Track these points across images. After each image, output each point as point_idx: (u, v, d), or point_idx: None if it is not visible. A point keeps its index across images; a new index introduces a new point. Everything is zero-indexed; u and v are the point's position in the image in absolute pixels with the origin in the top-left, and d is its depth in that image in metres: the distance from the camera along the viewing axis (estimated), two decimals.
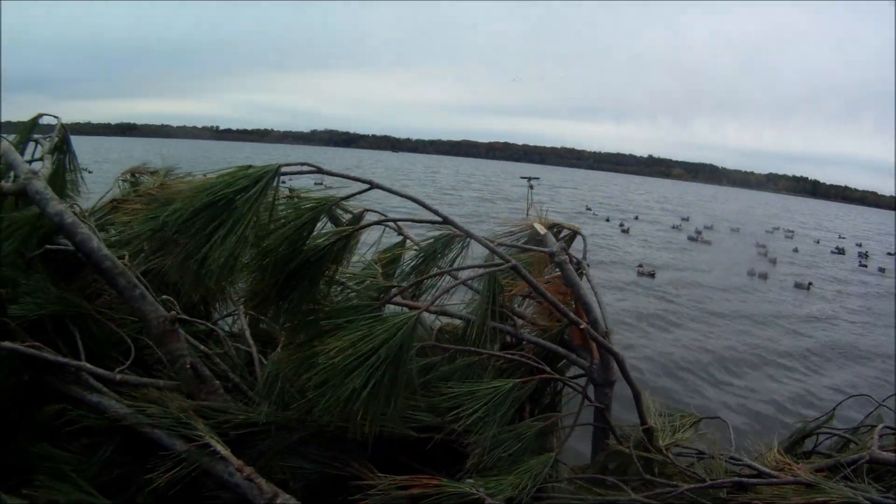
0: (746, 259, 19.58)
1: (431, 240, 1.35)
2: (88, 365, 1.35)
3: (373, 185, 1.17)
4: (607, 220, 29.51)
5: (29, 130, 1.66)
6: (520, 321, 1.46)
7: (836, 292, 16.57)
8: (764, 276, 17.29)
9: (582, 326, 1.23)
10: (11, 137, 1.62)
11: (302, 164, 1.17)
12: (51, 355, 1.36)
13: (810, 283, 16.32)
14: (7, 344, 1.37)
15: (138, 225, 1.16)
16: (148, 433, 1.26)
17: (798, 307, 14.06)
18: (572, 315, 1.27)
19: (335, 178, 1.20)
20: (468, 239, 1.29)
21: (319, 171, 1.19)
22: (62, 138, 1.64)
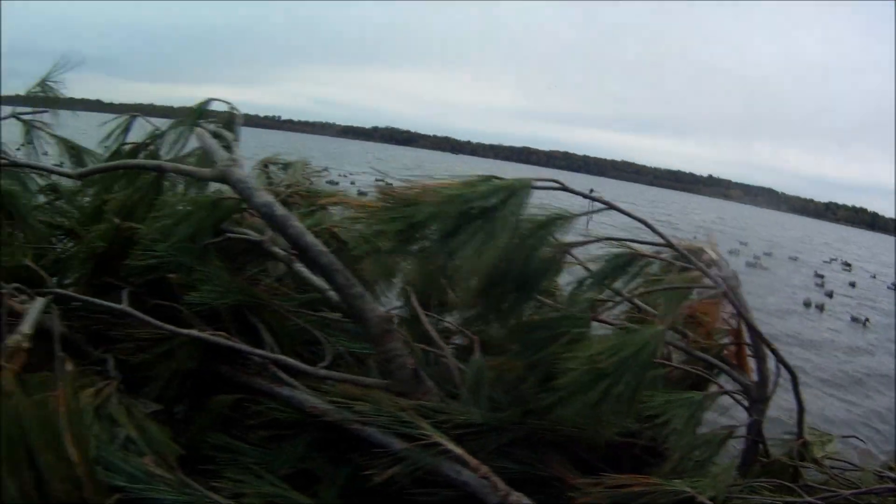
0: (803, 289, 19.92)
1: (610, 258, 1.44)
2: (287, 358, 1.34)
3: (611, 207, 1.25)
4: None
5: (198, 116, 1.60)
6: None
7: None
8: (820, 308, 17.34)
9: (773, 348, 1.37)
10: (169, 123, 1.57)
11: (550, 180, 1.23)
12: (245, 346, 1.35)
13: (867, 319, 16.46)
14: (193, 332, 1.35)
15: (382, 223, 1.19)
16: (356, 430, 1.28)
17: (854, 339, 14.33)
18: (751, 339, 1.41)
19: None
20: (645, 259, 1.40)
21: (564, 188, 1.25)
22: (229, 125, 1.59)
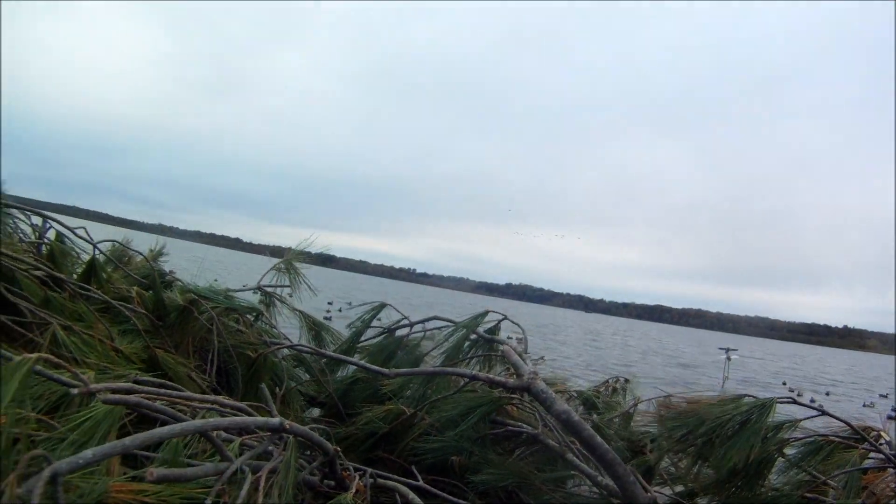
0: None
1: (807, 444, 1.85)
2: None
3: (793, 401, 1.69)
4: (799, 394, 28.34)
5: (477, 323, 1.96)
6: None
7: None
8: None
9: None
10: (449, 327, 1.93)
11: (792, 397, 1.66)
12: None
13: None
14: None
15: (668, 429, 1.60)
16: None
17: None
18: None
19: None
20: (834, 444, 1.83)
21: (794, 401, 1.69)
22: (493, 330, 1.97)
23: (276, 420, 1.17)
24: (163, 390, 1.25)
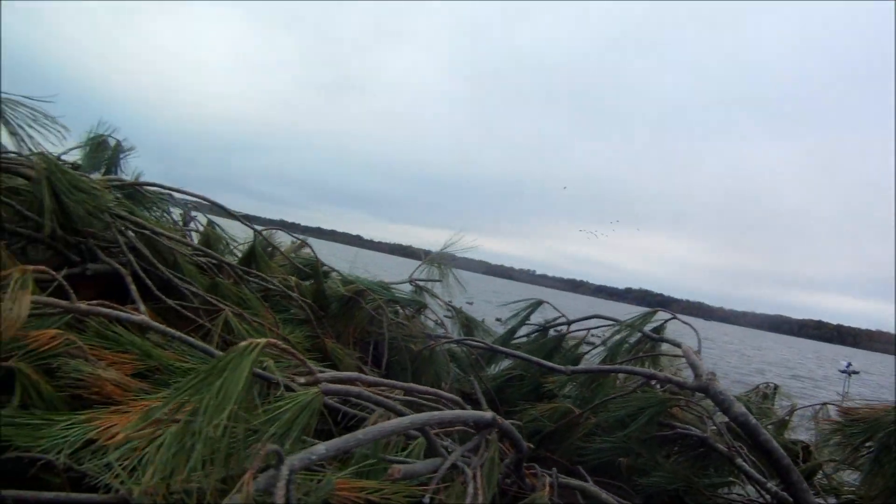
0: None
1: None
2: None
3: None
4: None
5: (645, 321, 1.94)
6: None
7: None
8: None
9: None
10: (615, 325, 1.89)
11: None
12: None
13: None
14: None
15: (847, 436, 1.50)
16: None
17: None
18: None
19: None
20: None
21: None
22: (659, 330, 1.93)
23: (489, 414, 1.16)
24: (368, 380, 1.25)
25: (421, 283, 2.20)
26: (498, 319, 2.13)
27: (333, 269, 2.04)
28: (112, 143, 2.15)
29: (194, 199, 1.74)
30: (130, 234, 1.29)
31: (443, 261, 2.19)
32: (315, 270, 1.89)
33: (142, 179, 2.03)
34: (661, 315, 1.91)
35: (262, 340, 1.04)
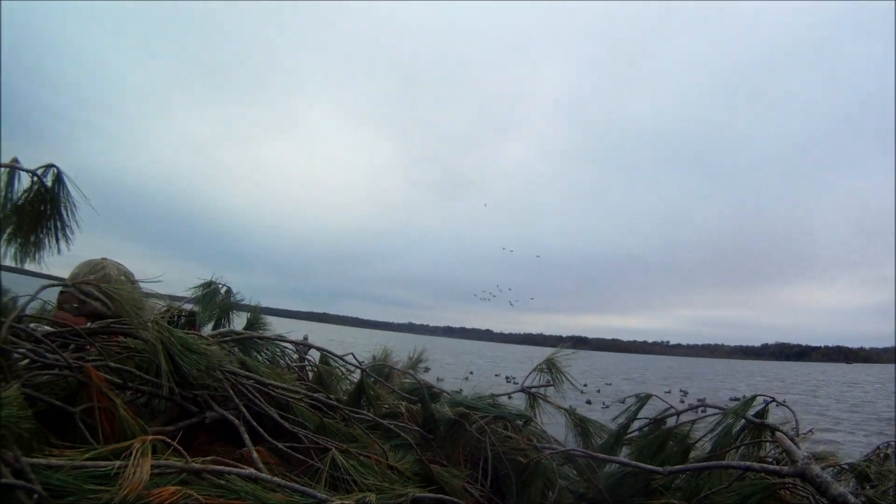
0: None
1: None
2: None
3: None
4: None
5: (745, 409, 1.87)
6: None
7: None
8: None
9: None
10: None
11: None
12: None
13: None
14: None
15: None
16: None
17: None
18: None
19: None
20: None
21: None
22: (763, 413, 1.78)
23: None
24: None
25: (533, 391, 2.19)
26: (604, 405, 2.02)
27: (444, 391, 2.10)
28: (223, 289, 2.44)
29: (300, 345, 1.91)
30: (242, 386, 1.43)
31: (554, 363, 2.19)
32: (421, 396, 1.95)
33: (254, 326, 2.26)
34: (762, 398, 1.94)
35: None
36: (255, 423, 1.38)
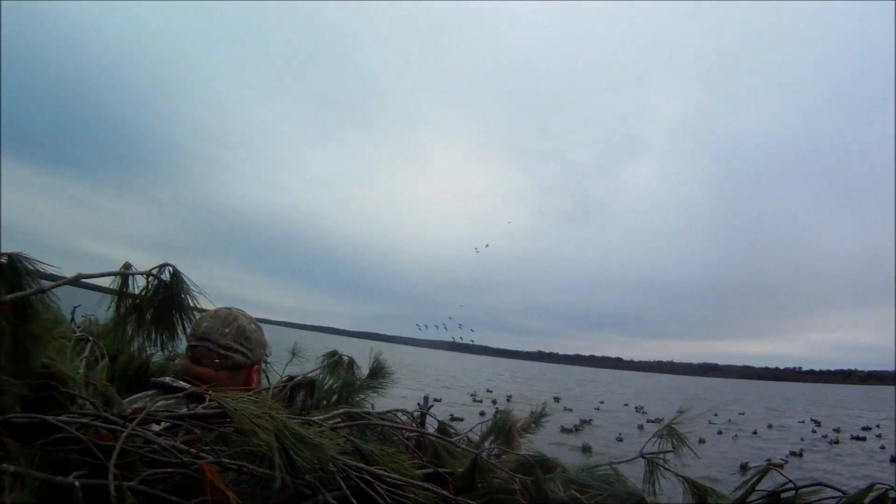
0: None
1: None
2: None
3: None
4: None
5: None
6: None
7: None
8: None
9: None
10: None
11: None
12: None
13: None
14: None
15: None
16: None
17: None
18: None
19: None
20: None
21: None
22: None
23: None
24: None
25: (649, 457, 1.99)
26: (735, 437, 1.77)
27: (559, 464, 1.96)
28: (346, 360, 2.45)
29: (412, 431, 1.87)
30: (352, 472, 1.38)
31: (675, 430, 1.99)
32: (533, 471, 1.82)
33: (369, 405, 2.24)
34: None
35: None
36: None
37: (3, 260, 0.93)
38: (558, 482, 1.86)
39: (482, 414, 19.83)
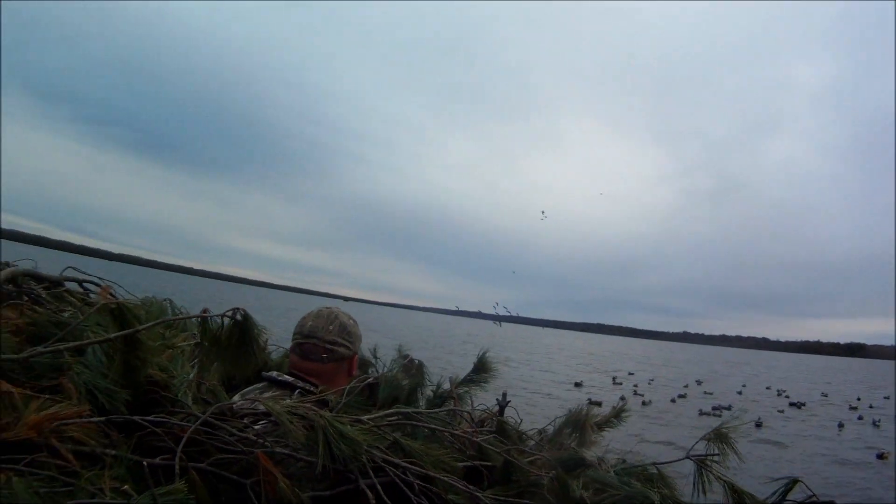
0: None
1: None
2: None
3: None
4: None
5: None
6: None
7: None
8: None
9: None
10: None
11: None
12: None
13: None
14: None
15: None
16: None
17: None
18: None
19: None
20: None
21: None
22: None
23: None
24: None
25: (696, 459, 1.98)
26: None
27: (592, 464, 2.00)
28: (417, 363, 2.66)
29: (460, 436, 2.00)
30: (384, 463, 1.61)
31: (724, 435, 1.97)
32: (557, 471, 1.90)
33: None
34: None
35: None
36: (384, 497, 1.54)
37: (112, 306, 1.32)
38: (581, 481, 1.93)
39: (622, 398, 19.27)
